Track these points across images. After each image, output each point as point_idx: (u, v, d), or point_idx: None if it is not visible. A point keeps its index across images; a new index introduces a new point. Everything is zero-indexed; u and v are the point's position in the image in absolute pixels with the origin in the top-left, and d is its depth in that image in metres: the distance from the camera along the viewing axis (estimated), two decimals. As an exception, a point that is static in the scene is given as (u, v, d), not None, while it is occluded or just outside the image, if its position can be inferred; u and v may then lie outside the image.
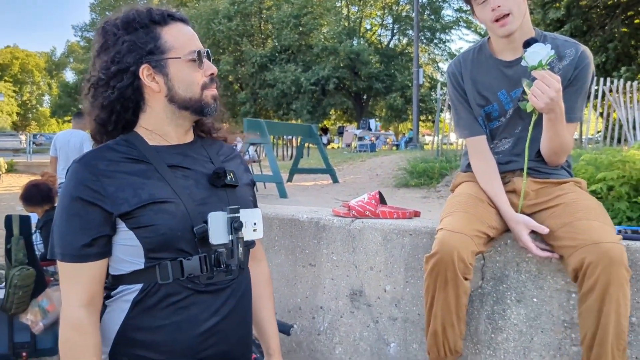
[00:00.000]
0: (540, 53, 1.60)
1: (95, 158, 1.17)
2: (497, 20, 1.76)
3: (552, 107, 1.62)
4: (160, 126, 1.25)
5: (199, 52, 1.23)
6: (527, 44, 1.65)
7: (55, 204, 3.66)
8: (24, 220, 3.14)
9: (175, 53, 1.21)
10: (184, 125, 1.28)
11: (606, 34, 17.45)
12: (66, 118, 39.49)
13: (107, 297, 1.21)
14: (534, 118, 1.74)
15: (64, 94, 38.90)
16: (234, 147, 1.50)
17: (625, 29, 17.94)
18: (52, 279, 3.28)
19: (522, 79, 1.72)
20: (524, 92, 1.74)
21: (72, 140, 5.57)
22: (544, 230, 1.68)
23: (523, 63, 1.65)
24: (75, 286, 1.15)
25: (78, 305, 1.14)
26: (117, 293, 1.19)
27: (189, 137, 1.32)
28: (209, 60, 1.27)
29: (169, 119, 1.25)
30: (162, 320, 1.17)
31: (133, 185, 1.15)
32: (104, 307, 1.21)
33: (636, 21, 18.04)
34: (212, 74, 1.26)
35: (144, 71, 1.20)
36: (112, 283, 1.20)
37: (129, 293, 1.18)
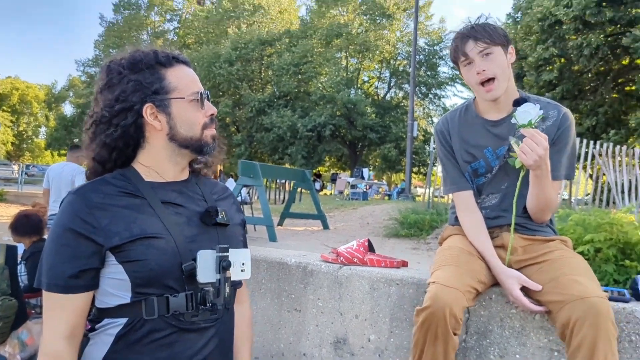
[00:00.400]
0: (530, 112, 1.67)
1: (91, 190, 1.20)
2: (482, 84, 1.85)
3: (540, 164, 1.68)
4: (158, 163, 1.29)
5: (201, 94, 1.28)
6: (517, 102, 1.73)
7: (44, 236, 3.65)
8: (10, 250, 3.11)
9: (178, 93, 1.26)
10: (181, 163, 1.32)
11: (597, 98, 17.91)
12: (61, 151, 39.48)
13: (91, 329, 1.21)
14: (522, 174, 1.80)
15: (61, 127, 39.04)
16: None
17: (615, 95, 18.43)
18: (32, 311, 3.23)
19: (509, 137, 1.79)
20: (510, 149, 1.80)
21: (65, 173, 5.58)
22: (537, 287, 1.70)
23: (513, 121, 1.72)
24: (58, 317, 1.15)
25: (59, 336, 1.14)
26: (102, 326, 1.19)
27: (184, 175, 1.35)
28: (209, 102, 1.32)
29: (167, 156, 1.29)
30: (144, 356, 1.17)
31: (125, 219, 1.17)
32: (87, 339, 1.21)
33: (627, 88, 18.55)
34: (212, 114, 1.32)
35: (148, 110, 1.25)
36: (97, 316, 1.20)
37: (113, 327, 1.18)
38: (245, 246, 1.42)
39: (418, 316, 1.70)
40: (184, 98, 1.27)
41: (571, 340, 1.56)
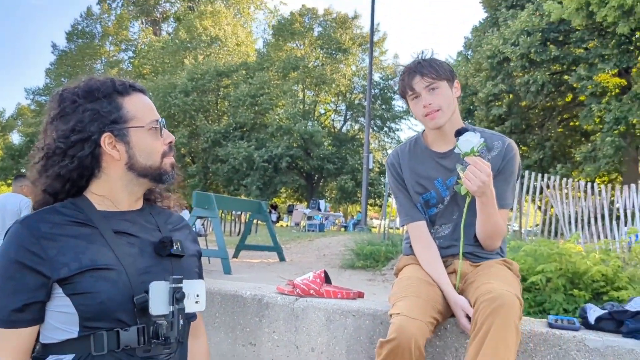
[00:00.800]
0: (472, 141, 1.73)
1: (38, 220, 1.14)
2: (427, 115, 1.90)
3: (484, 190, 1.74)
4: (112, 192, 1.25)
5: (159, 122, 1.26)
6: (459, 132, 1.80)
7: None
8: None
9: (137, 122, 1.24)
10: (137, 193, 1.29)
11: (543, 133, 18.69)
12: (8, 181, 38.01)
13: None
14: (467, 200, 1.86)
15: (8, 156, 37.64)
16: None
17: (561, 130, 19.28)
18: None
19: (456, 165, 1.84)
20: (458, 177, 1.85)
21: (9, 205, 5.35)
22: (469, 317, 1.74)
23: (456, 150, 1.78)
24: (1, 353, 1.08)
25: None
26: None
27: (139, 205, 1.32)
28: (166, 129, 1.30)
29: (124, 186, 1.25)
30: None
31: (74, 249, 1.12)
32: None
33: (571, 124, 19.44)
34: (171, 142, 1.30)
35: (106, 139, 1.21)
36: (41, 352, 1.13)
37: None
38: (200, 278, 1.38)
39: (382, 348, 1.67)
40: (143, 127, 1.24)
41: (474, 329, 1.62)
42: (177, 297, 1.15)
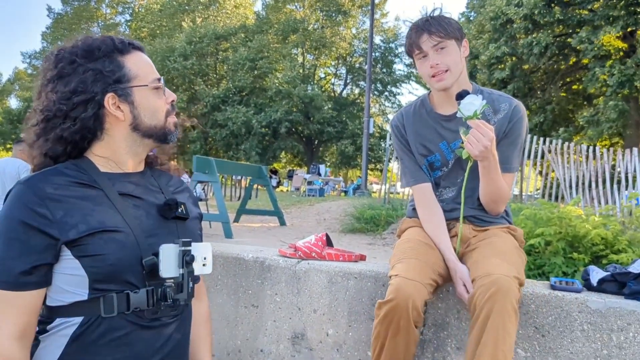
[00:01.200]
0: (474, 104, 1.68)
1: (42, 180, 1.11)
2: (434, 76, 1.85)
3: (486, 155, 1.70)
4: (116, 154, 1.22)
5: (161, 80, 1.23)
6: (460, 96, 1.75)
7: None
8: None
9: (140, 81, 1.21)
10: (141, 154, 1.27)
11: (545, 96, 18.53)
12: (7, 146, 37.95)
13: (42, 331, 1.12)
14: (469, 165, 1.83)
15: (6, 121, 37.44)
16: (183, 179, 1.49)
17: (563, 93, 19.11)
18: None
19: (459, 127, 1.80)
20: (462, 141, 1.81)
21: (8, 169, 5.33)
22: (470, 288, 1.70)
23: (458, 114, 1.74)
24: (8, 317, 1.05)
25: (9, 337, 1.05)
26: (54, 327, 1.11)
27: (141, 167, 1.30)
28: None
29: (128, 147, 1.23)
30: (102, 357, 1.10)
31: (82, 211, 1.10)
32: (37, 342, 1.12)
33: (573, 87, 19.26)
34: (173, 101, 1.27)
35: (109, 100, 1.18)
36: (48, 316, 1.12)
37: (67, 327, 1.10)
38: (202, 240, 1.37)
39: (380, 309, 1.68)
40: (146, 85, 1.21)
41: (473, 315, 1.61)
42: (187, 259, 1.15)
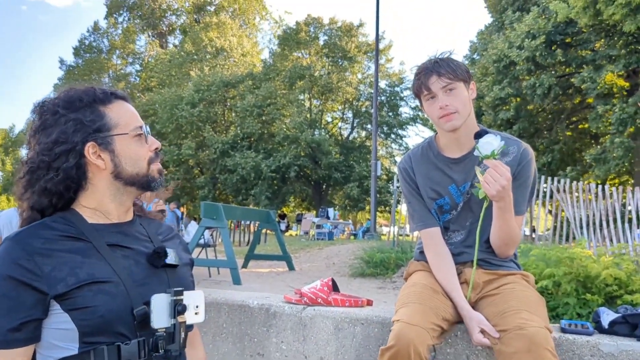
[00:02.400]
0: (492, 144, 1.68)
1: (30, 235, 1.11)
2: (442, 117, 1.86)
3: (503, 195, 1.68)
4: (101, 204, 1.23)
5: (143, 128, 1.24)
6: (479, 135, 1.74)
7: None
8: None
9: (120, 129, 1.22)
10: (126, 203, 1.27)
11: (552, 136, 18.57)
12: (18, 196, 38.21)
13: None
14: (485, 205, 1.79)
15: (17, 172, 37.91)
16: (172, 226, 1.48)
17: (569, 133, 19.16)
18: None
19: (475, 167, 1.79)
20: (477, 180, 1.80)
21: (14, 221, 5.36)
22: (495, 334, 1.67)
23: (476, 153, 1.73)
24: None
25: None
26: None
27: (129, 216, 1.30)
28: (151, 136, 1.28)
29: (112, 195, 1.23)
30: None
31: (70, 264, 1.09)
32: None
33: (580, 126, 19.32)
34: (157, 148, 1.27)
35: (90, 149, 1.19)
36: None
37: None
38: (194, 287, 1.36)
39: (382, 356, 1.65)
40: (127, 134, 1.22)
41: None
42: (179, 309, 1.13)
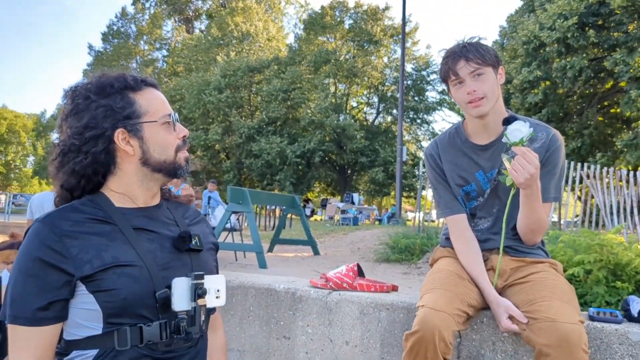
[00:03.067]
0: (522, 130, 1.66)
1: (59, 218, 1.15)
2: (470, 102, 1.83)
3: (531, 183, 1.67)
4: (129, 189, 1.26)
5: (171, 116, 1.27)
6: (507, 121, 1.72)
7: None
8: (-6, 282, 3.04)
9: (149, 117, 1.25)
10: (153, 188, 1.30)
11: (582, 120, 18.14)
12: (49, 179, 39.17)
13: None
14: (512, 192, 1.77)
15: (49, 155, 38.75)
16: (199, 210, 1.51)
17: (600, 117, 18.69)
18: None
19: (502, 154, 1.77)
20: (504, 167, 1.78)
21: (46, 204, 5.48)
22: (523, 319, 1.66)
23: (504, 140, 1.71)
24: (26, 352, 1.09)
25: None
26: (70, 359, 1.14)
27: (156, 200, 1.33)
28: (179, 124, 1.30)
29: (139, 181, 1.26)
30: None
31: (97, 247, 1.13)
32: None
33: (611, 110, 18.83)
34: (184, 135, 1.29)
35: (119, 135, 1.22)
36: (65, 349, 1.15)
37: (83, 359, 1.13)
38: (217, 271, 1.39)
39: (407, 341, 1.66)
40: (156, 121, 1.25)
41: None
42: (199, 293, 1.17)
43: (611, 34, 16.11)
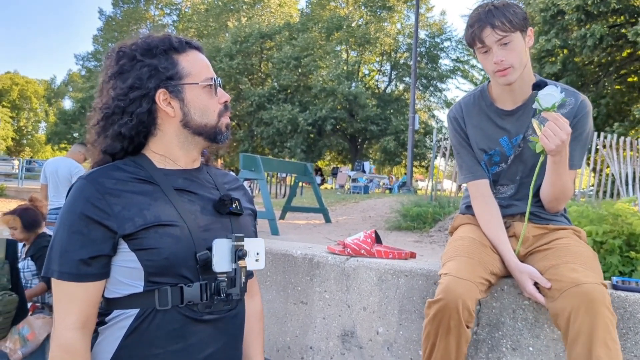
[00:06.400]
0: (554, 95, 1.60)
1: (102, 175, 1.15)
2: (497, 71, 1.77)
3: (561, 149, 1.62)
4: (170, 150, 1.25)
5: (214, 80, 1.25)
6: (537, 86, 1.66)
7: (44, 229, 3.59)
8: (11, 245, 3.06)
9: (191, 79, 1.23)
10: (193, 152, 1.29)
11: (599, 90, 17.83)
12: (61, 145, 39.44)
13: (100, 323, 1.16)
14: (541, 159, 1.72)
15: (61, 121, 38.93)
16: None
17: (618, 87, 18.35)
18: (37, 305, 3.19)
19: (532, 119, 1.72)
20: (533, 133, 1.73)
21: (60, 170, 5.49)
22: (546, 284, 1.63)
23: (534, 105, 1.65)
24: (70, 307, 1.10)
25: (71, 327, 1.09)
26: (112, 319, 1.14)
27: (197, 164, 1.32)
28: (222, 89, 1.28)
29: (180, 143, 1.25)
30: (157, 349, 1.12)
31: (139, 205, 1.13)
32: (96, 334, 1.16)
33: (629, 79, 18.47)
34: (226, 101, 1.28)
35: (161, 96, 1.21)
36: (106, 308, 1.15)
37: (124, 319, 1.13)
38: (256, 236, 1.38)
39: (430, 308, 1.65)
40: (197, 84, 1.23)
41: (568, 329, 1.52)
42: (239, 255, 1.16)
43: (632, 1, 15.66)
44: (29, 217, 3.58)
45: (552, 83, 1.80)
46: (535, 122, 1.68)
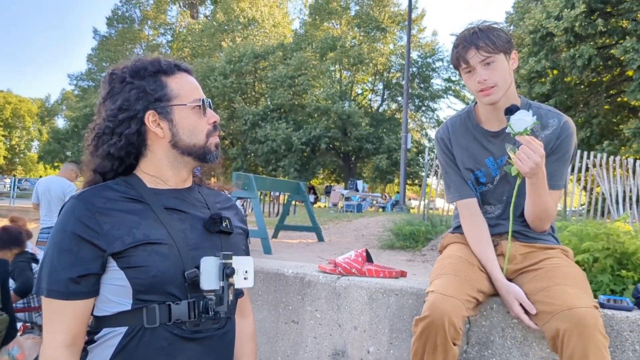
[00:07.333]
0: (525, 120, 1.65)
1: (93, 195, 1.18)
2: (481, 91, 1.81)
3: (536, 171, 1.66)
4: (160, 171, 1.28)
5: (202, 101, 1.28)
6: (510, 111, 1.71)
7: (26, 248, 3.58)
8: (1, 264, 3.06)
9: (180, 100, 1.26)
10: (183, 171, 1.31)
11: (590, 110, 18.03)
12: (54, 164, 39.29)
13: (90, 342, 1.17)
14: (518, 182, 1.78)
15: (54, 140, 38.83)
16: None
17: (607, 106, 18.57)
18: (27, 325, 3.17)
19: (505, 144, 1.76)
20: (509, 157, 1.77)
21: (53, 188, 5.50)
22: (532, 309, 1.66)
23: (508, 130, 1.70)
24: (59, 325, 1.12)
25: (60, 345, 1.11)
26: (100, 337, 1.16)
27: (188, 184, 1.34)
28: (211, 109, 1.31)
29: (170, 163, 1.28)
30: None
31: (128, 224, 1.15)
32: (85, 352, 1.17)
33: (618, 99, 18.71)
34: (215, 121, 1.30)
35: (150, 117, 1.24)
36: (95, 326, 1.17)
37: (113, 337, 1.14)
38: (247, 255, 1.39)
39: (417, 326, 1.67)
40: (185, 105, 1.26)
41: (562, 352, 1.54)
42: (227, 272, 1.17)
43: (619, 22, 15.94)
44: (5, 237, 3.57)
45: (536, 105, 1.85)
46: (508, 147, 1.72)
